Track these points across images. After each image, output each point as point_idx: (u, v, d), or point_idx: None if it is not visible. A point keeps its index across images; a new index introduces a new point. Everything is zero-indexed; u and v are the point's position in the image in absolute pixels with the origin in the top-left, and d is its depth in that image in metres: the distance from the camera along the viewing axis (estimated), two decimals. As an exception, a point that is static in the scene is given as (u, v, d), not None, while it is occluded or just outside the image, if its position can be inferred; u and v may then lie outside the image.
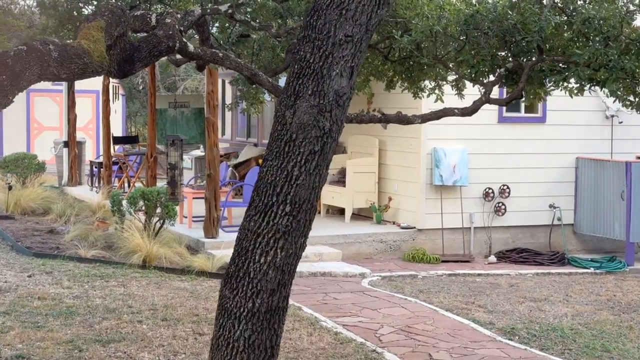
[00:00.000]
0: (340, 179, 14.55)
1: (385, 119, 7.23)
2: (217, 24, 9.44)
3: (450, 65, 7.94)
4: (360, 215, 14.72)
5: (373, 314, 9.58)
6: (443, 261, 13.22)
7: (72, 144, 18.89)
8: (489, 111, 13.75)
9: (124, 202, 12.71)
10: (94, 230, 13.01)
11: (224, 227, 13.20)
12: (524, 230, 14.12)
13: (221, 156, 18.40)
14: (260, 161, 17.09)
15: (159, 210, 12.13)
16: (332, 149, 5.50)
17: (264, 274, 5.28)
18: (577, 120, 14.29)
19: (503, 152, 13.87)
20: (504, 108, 13.81)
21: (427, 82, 9.58)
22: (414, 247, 13.36)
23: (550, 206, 14.09)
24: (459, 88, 8.79)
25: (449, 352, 8.21)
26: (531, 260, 13.52)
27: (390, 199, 14.04)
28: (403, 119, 7.26)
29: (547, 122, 14.14)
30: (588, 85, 7.35)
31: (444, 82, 9.39)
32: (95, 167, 18.41)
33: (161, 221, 12.12)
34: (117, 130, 24.35)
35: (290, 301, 6.74)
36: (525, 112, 14.08)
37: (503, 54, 7.67)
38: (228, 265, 5.51)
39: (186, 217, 13.58)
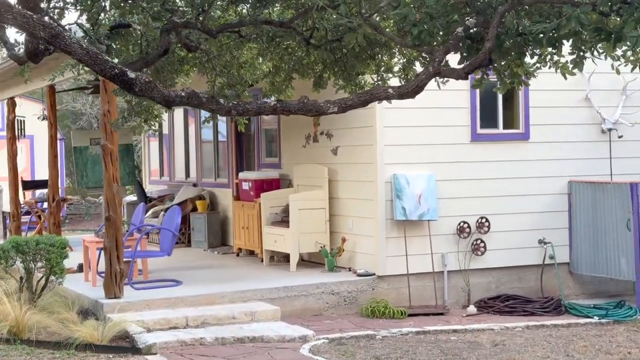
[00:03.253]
0: (285, 219, 11.95)
1: (283, 108, 4.67)
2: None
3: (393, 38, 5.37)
4: (311, 261, 12.10)
5: (305, 398, 6.93)
6: (410, 315, 10.59)
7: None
8: (459, 128, 11.24)
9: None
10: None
11: (135, 283, 10.54)
12: (509, 272, 11.52)
13: (156, 199, 15.83)
14: (197, 203, 14.48)
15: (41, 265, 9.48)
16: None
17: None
18: (568, 136, 11.79)
19: (479, 177, 11.33)
20: (477, 124, 11.30)
21: (367, 78, 7.10)
22: (374, 299, 10.73)
23: (540, 242, 11.52)
24: (406, 75, 6.24)
25: None
26: (520, 309, 10.90)
27: (343, 240, 11.43)
28: (311, 108, 4.73)
29: (530, 139, 11.62)
30: (590, 50, 4.82)
31: (390, 75, 6.89)
32: (8, 218, 15.75)
33: (44, 279, 9.46)
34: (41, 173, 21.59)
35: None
36: (504, 127, 11.57)
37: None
38: None
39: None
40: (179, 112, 16.30)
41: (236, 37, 6.79)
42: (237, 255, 13.35)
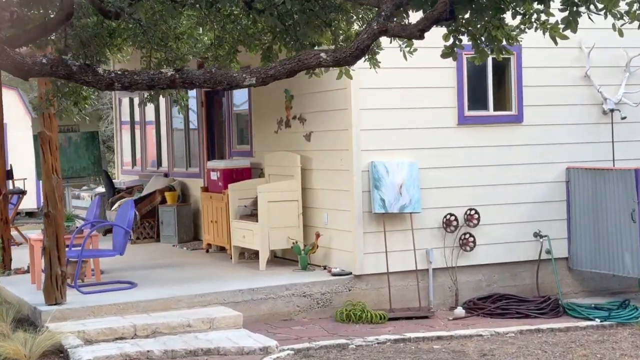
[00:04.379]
0: (254, 212, 10.85)
1: (184, 79, 3.57)
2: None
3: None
4: (285, 258, 11.01)
5: None
6: (391, 319, 9.51)
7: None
8: (445, 110, 10.12)
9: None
10: None
11: (82, 286, 9.45)
12: (501, 269, 10.42)
13: (123, 190, 14.75)
14: (166, 194, 13.39)
15: None
16: None
17: None
18: (565, 118, 10.65)
19: (466, 164, 10.21)
20: (465, 105, 10.18)
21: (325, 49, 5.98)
22: (350, 301, 9.64)
23: (536, 235, 10.41)
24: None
25: None
26: (513, 310, 9.82)
27: (317, 235, 10.33)
28: (221, 79, 3.70)
29: (524, 121, 10.49)
30: (586, 4, 3.69)
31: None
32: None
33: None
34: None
35: None
36: (495, 109, 10.43)
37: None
38: None
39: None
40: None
41: (169, 1, 5.70)
42: (207, 251, 12.25)
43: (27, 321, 8.79)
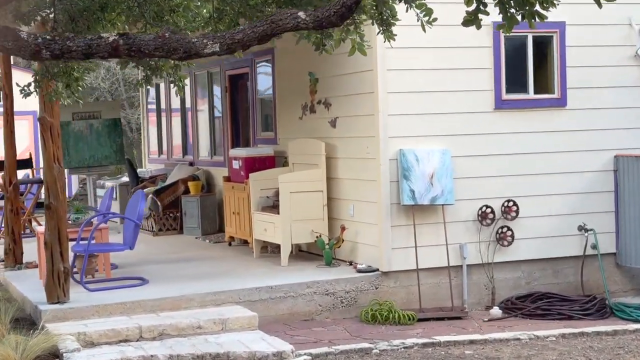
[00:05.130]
0: (276, 203, 10.15)
1: (129, 46, 2.89)
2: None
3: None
4: (311, 252, 10.33)
5: None
6: (420, 320, 8.77)
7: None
8: (481, 93, 9.33)
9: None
10: None
11: (89, 283, 8.85)
12: (542, 265, 9.61)
13: (146, 180, 14.21)
14: (189, 184, 12.78)
15: None
16: None
17: None
18: (614, 101, 9.77)
19: (504, 152, 9.40)
20: (503, 88, 9.37)
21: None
22: (377, 300, 8.91)
23: (580, 228, 9.57)
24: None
25: None
26: (555, 311, 9.03)
27: (343, 228, 9.61)
28: (176, 46, 3.02)
29: (568, 105, 9.64)
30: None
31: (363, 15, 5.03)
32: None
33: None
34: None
35: None
36: (536, 92, 9.59)
37: None
38: None
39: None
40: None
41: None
42: (229, 244, 11.60)
43: (27, 321, 8.22)
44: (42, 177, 14.11)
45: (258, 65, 11.77)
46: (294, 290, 8.78)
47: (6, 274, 9.95)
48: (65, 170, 16.16)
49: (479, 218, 9.31)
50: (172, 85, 6.69)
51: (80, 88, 6.36)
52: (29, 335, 7.23)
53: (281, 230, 9.75)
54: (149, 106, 16.59)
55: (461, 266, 9.26)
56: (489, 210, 9.31)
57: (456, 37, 8.89)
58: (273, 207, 10.21)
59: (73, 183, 22.64)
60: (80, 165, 13.54)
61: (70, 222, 9.66)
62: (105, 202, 10.30)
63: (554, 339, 8.12)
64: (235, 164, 11.17)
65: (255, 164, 10.92)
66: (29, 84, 6.44)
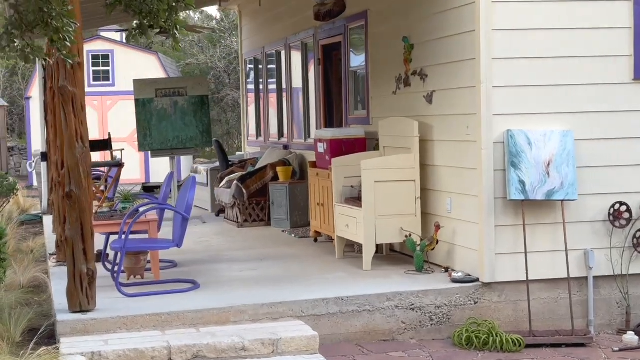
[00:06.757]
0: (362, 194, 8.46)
1: None
2: None
3: None
4: (403, 253, 8.63)
5: None
6: (530, 346, 6.91)
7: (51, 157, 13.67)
8: (615, 59, 7.34)
9: None
10: None
11: (127, 286, 7.45)
12: (693, 279, 7.54)
13: (235, 164, 12.84)
14: (278, 170, 11.29)
15: None
16: None
17: None
18: None
19: (645, 134, 7.39)
20: (645, 52, 7.33)
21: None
22: (475, 319, 7.11)
23: None
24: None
25: None
26: None
27: (437, 227, 7.84)
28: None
29: None
30: None
31: None
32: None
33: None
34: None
35: None
36: (687, 57, 7.50)
37: None
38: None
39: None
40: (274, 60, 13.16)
41: None
42: (315, 240, 10.02)
43: (47, 333, 6.88)
44: (119, 160, 12.99)
45: (352, 31, 10.11)
46: (370, 303, 7.09)
47: (52, 271, 8.72)
48: (148, 153, 14.99)
49: (611, 218, 7.33)
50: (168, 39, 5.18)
51: (67, 44, 4.88)
52: (32, 354, 5.87)
53: (364, 226, 8.07)
54: (248, 86, 15.24)
55: (586, 278, 7.32)
56: (623, 208, 7.32)
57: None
58: (358, 198, 8.54)
59: (182, 168, 21.61)
60: (162, 148, 12.26)
61: (117, 212, 8.33)
62: (164, 189, 8.89)
63: None
64: (320, 147, 9.55)
65: (342, 147, 9.27)
66: (3, 33, 4.94)
